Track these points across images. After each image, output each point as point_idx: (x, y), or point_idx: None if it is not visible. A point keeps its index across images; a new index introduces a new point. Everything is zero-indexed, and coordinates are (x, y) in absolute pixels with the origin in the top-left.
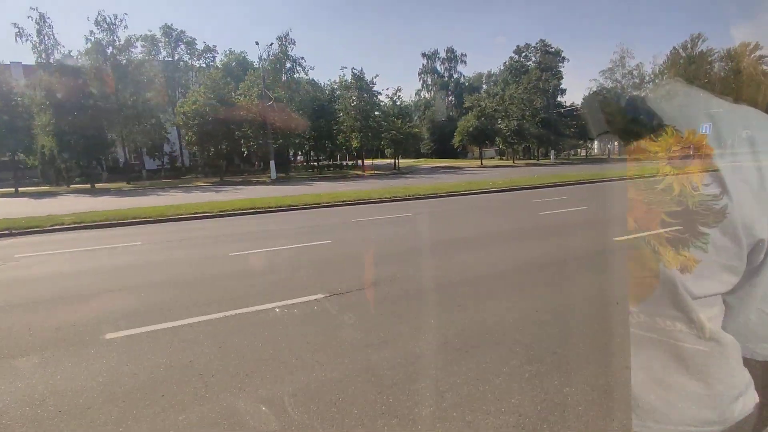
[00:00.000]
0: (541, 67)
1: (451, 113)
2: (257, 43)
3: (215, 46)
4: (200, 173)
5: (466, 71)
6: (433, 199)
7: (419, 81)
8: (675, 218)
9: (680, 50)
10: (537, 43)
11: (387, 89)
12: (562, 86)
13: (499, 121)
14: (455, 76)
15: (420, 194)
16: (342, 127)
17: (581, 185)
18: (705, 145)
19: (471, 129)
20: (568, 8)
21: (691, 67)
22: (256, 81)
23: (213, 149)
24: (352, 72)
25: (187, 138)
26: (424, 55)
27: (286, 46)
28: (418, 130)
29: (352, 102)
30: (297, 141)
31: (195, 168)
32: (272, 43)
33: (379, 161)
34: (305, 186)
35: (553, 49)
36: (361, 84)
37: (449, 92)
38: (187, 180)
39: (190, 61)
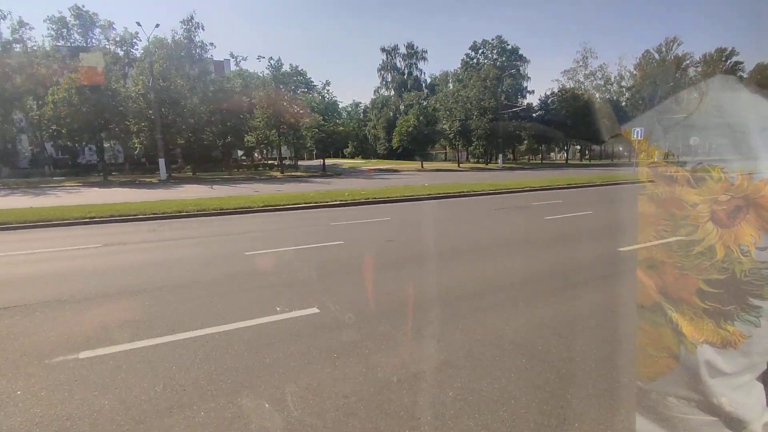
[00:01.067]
0: (496, 65)
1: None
2: (138, 23)
3: (137, 33)
4: (66, 173)
5: (434, 69)
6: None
7: (378, 77)
8: (716, 287)
9: (654, 53)
10: (493, 39)
11: (322, 84)
12: (530, 88)
13: (443, 121)
14: (415, 73)
15: (270, 204)
16: (257, 123)
17: (480, 196)
18: (765, 196)
19: (411, 129)
20: (540, 8)
21: (660, 70)
22: (146, 69)
23: (88, 145)
24: (270, 63)
25: (48, 133)
26: (383, 50)
27: (192, 31)
28: (343, 128)
29: (268, 95)
30: (192, 137)
31: (60, 165)
32: (158, 25)
33: (334, 161)
34: (175, 190)
35: (509, 47)
36: (280, 77)
37: (408, 90)
38: (34, 182)
39: (112, 48)
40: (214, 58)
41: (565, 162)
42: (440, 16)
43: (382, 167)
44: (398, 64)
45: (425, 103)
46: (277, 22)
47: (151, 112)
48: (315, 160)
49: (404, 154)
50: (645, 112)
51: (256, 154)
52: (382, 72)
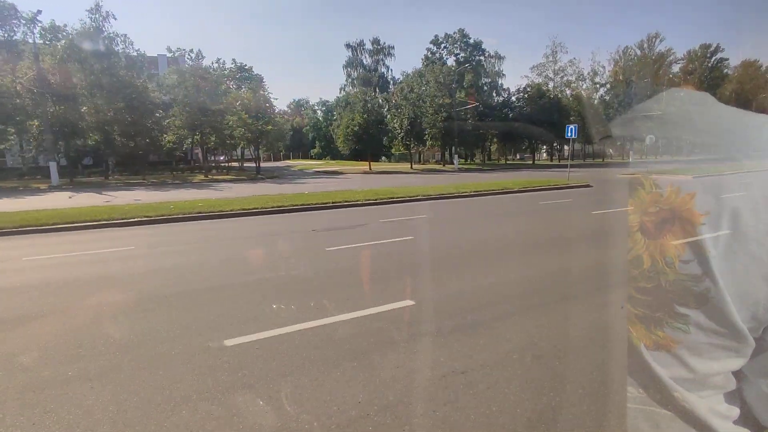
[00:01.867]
0: (459, 60)
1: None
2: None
3: (66, 25)
4: None
5: (405, 66)
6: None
7: (344, 74)
8: (645, 295)
9: (636, 49)
10: (455, 33)
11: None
12: (506, 85)
13: (389, 119)
14: (381, 69)
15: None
16: (174, 121)
17: (337, 209)
18: (689, 209)
19: (356, 129)
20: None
21: (637, 66)
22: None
23: None
24: (188, 56)
25: None
26: (348, 46)
27: (99, 21)
28: (272, 127)
29: (184, 92)
30: (99, 137)
31: None
32: (39, 11)
33: (300, 162)
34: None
35: (472, 41)
36: (198, 72)
37: (374, 87)
38: None
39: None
40: (147, 54)
41: (532, 163)
42: (421, 10)
43: (329, 169)
44: (365, 61)
45: (373, 101)
46: (253, 20)
47: (40, 109)
48: (283, 161)
49: (359, 155)
50: (619, 110)
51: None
52: (348, 69)
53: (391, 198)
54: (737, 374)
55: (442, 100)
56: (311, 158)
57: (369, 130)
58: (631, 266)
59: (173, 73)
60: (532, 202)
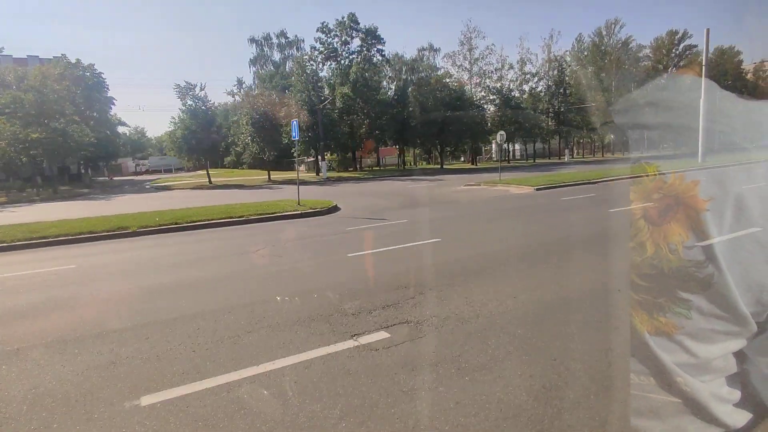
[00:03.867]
0: (350, 50)
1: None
2: None
3: None
4: None
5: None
6: None
7: (250, 72)
8: (648, 281)
9: (594, 37)
10: (344, 18)
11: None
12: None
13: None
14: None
15: None
16: None
17: None
18: (693, 196)
19: (186, 133)
20: None
21: (592, 54)
22: None
23: None
24: None
25: None
26: (252, 41)
27: None
28: (44, 135)
29: None
30: None
31: None
32: None
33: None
34: None
35: (363, 28)
36: None
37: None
38: None
39: None
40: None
41: (475, 165)
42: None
43: (170, 184)
44: (275, 56)
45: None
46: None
47: None
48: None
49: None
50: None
51: None
52: (255, 66)
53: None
54: (739, 356)
55: (304, 95)
56: (224, 167)
57: (198, 134)
58: (633, 253)
59: None
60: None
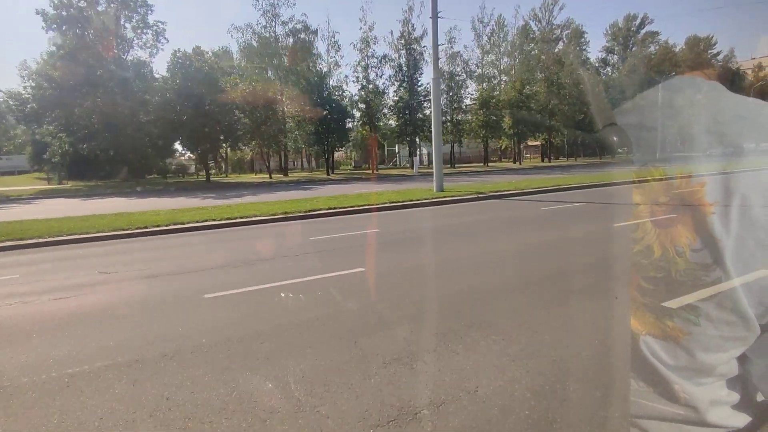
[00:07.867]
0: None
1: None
2: None
3: None
4: None
5: None
6: None
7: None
8: (655, 285)
9: (530, 21)
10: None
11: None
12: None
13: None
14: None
15: None
16: None
17: None
18: (700, 199)
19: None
20: None
21: (518, 39)
22: None
23: None
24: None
25: None
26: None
27: None
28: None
29: None
30: None
31: None
32: None
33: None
34: None
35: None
36: None
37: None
38: None
39: None
40: None
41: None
42: None
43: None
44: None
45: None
46: None
47: None
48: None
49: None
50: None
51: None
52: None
53: None
54: (740, 359)
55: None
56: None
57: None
58: (640, 256)
59: None
60: None
